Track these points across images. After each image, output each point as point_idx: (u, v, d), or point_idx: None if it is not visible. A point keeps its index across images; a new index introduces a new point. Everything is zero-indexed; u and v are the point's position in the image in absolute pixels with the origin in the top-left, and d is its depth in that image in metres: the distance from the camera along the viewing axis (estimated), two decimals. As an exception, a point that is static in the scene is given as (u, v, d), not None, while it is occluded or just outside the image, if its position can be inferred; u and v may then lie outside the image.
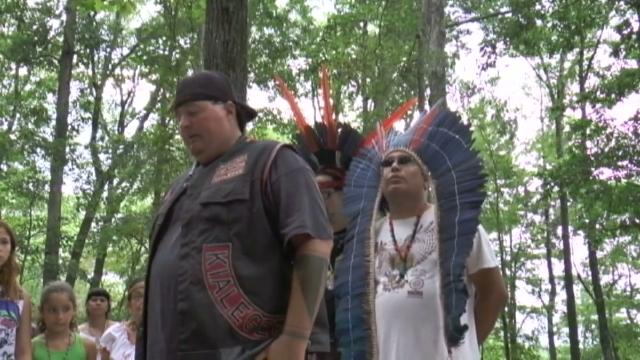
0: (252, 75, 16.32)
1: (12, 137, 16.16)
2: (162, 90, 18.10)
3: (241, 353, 1.76)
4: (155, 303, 1.92)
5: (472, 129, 2.75)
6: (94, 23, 17.60)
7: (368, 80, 18.02)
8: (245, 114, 2.20)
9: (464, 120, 2.81)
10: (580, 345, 22.69)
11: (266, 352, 1.77)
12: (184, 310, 1.81)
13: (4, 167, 16.90)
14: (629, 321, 22.98)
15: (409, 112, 14.31)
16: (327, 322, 2.00)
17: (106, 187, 17.93)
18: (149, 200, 19.73)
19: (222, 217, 1.87)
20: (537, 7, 13.87)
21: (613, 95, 12.24)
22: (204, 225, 1.87)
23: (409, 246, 2.57)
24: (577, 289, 23.61)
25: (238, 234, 1.85)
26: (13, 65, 18.04)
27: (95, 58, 18.61)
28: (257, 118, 17.28)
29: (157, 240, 2.01)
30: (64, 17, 16.97)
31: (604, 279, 23.42)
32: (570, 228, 19.09)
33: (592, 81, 17.61)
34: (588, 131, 12.95)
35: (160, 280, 1.91)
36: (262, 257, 1.85)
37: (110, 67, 19.35)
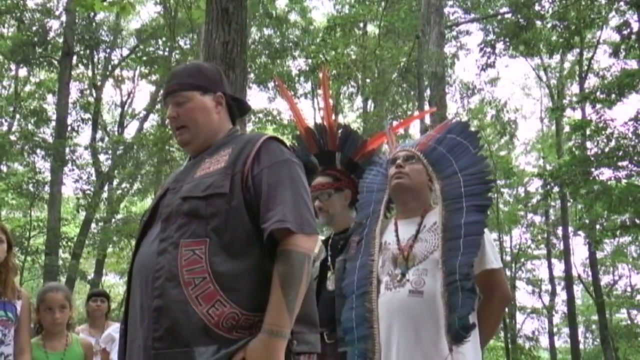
0: (252, 76, 16.31)
1: (12, 138, 16.15)
2: (162, 91, 18.05)
3: (216, 352, 1.70)
4: (135, 299, 1.88)
5: (480, 135, 2.77)
6: (94, 24, 17.56)
7: (368, 80, 17.99)
8: (236, 106, 2.15)
9: (473, 128, 2.83)
10: (581, 346, 22.67)
11: (244, 351, 1.71)
12: (158, 307, 1.76)
13: (4, 168, 16.88)
14: (629, 322, 22.94)
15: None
16: (318, 321, 1.94)
17: (106, 187, 17.90)
18: (149, 201, 19.71)
19: (201, 212, 1.82)
20: (537, 7, 13.86)
21: (613, 96, 12.23)
22: (182, 220, 1.83)
23: (412, 245, 2.57)
24: (578, 289, 23.62)
25: (216, 229, 1.80)
26: (13, 66, 18.02)
27: (95, 59, 18.57)
28: (257, 119, 17.33)
29: (142, 236, 1.97)
30: (63, 18, 16.94)
31: (604, 280, 23.39)
32: (570, 228, 19.06)
33: (592, 81, 17.64)
34: (588, 132, 12.94)
35: (140, 276, 1.87)
36: (241, 252, 1.79)
37: (110, 68, 19.31)
